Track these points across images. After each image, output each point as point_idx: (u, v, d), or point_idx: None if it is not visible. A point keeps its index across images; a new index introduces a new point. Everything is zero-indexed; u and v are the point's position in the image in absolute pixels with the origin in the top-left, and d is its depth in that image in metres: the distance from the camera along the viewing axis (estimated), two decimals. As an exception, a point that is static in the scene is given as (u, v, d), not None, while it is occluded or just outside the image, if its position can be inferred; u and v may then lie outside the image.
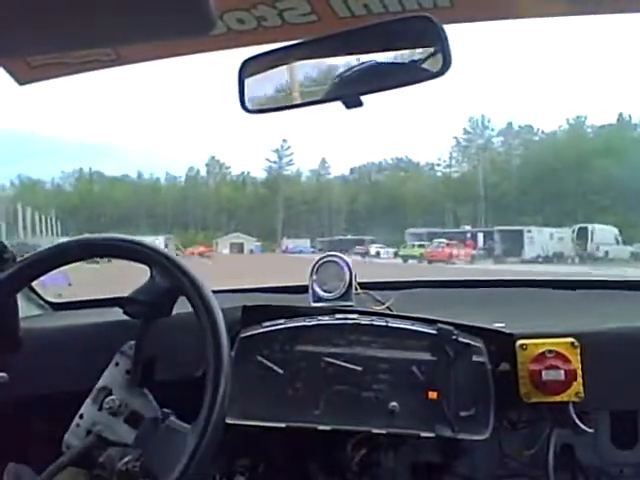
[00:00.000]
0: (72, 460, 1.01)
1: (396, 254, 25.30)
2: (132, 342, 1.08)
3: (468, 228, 29.75)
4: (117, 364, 1.08)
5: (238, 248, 38.81)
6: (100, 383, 1.07)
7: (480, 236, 26.20)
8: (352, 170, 51.34)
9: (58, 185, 51.37)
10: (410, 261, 23.07)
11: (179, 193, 51.25)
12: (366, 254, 24.24)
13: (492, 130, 40.95)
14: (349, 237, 35.02)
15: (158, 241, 31.86)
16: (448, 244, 24.03)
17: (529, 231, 24.25)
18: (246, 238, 40.54)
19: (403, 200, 39.94)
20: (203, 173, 54.12)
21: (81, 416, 1.06)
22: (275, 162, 52.34)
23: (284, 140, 52.26)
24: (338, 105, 0.97)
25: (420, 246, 24.92)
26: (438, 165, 44.94)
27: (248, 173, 54.03)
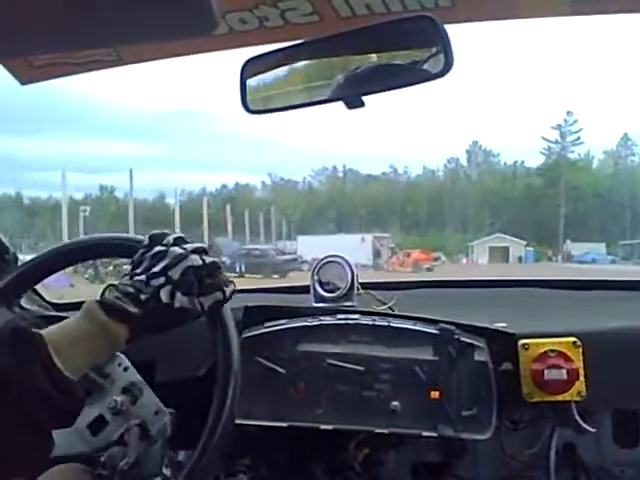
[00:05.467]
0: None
1: None
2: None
3: None
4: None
5: (501, 254, 28.47)
6: None
7: None
8: (668, 150, 35.00)
9: (309, 184, 47.28)
10: None
11: (435, 188, 42.40)
12: None
13: None
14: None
15: (365, 241, 25.09)
16: None
17: None
18: (512, 241, 29.75)
19: None
20: (464, 162, 43.35)
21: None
22: (556, 142, 38.50)
23: (569, 113, 38.64)
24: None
25: None
26: None
27: (522, 163, 41.05)
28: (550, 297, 1.60)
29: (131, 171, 28.81)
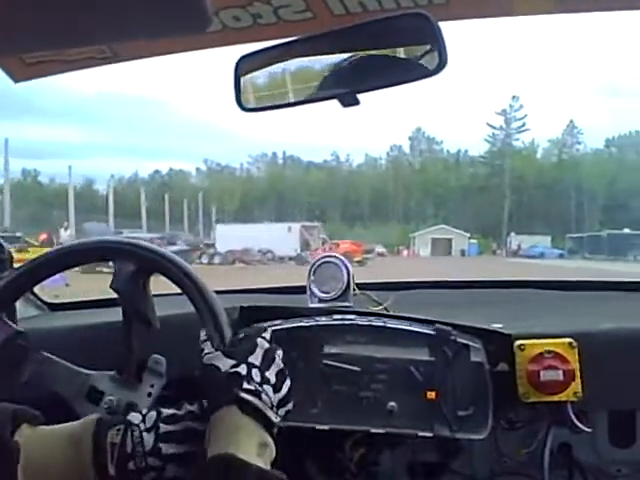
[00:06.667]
0: None
1: None
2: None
3: None
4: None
5: (443, 247, 27.57)
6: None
7: None
8: (609, 141, 36.12)
9: (248, 170, 46.09)
10: None
11: (378, 177, 41.37)
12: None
13: None
14: (616, 232, 23.30)
15: (292, 231, 23.54)
16: None
17: None
18: (456, 233, 28.83)
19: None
20: (407, 150, 42.30)
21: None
22: (501, 128, 37.20)
23: (514, 97, 37.52)
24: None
25: None
26: None
27: (465, 152, 40.32)
28: (546, 298, 1.60)
29: (6, 141, 26.43)
